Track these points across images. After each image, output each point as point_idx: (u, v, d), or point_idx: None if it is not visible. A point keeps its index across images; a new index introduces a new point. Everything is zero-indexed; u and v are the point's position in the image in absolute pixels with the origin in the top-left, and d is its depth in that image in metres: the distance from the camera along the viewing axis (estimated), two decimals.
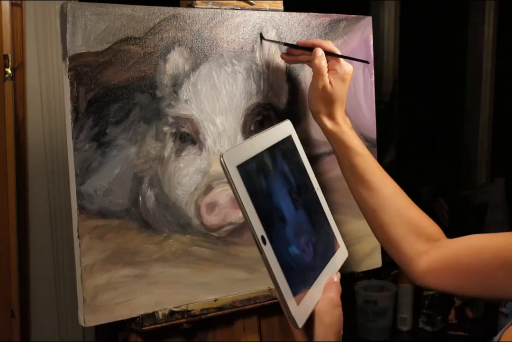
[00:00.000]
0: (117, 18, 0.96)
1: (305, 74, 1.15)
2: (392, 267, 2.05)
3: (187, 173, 1.03)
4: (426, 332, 1.92)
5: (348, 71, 1.03)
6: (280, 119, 1.12)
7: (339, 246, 0.84)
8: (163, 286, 1.01)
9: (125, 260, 0.98)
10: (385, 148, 2.42)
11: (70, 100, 0.93)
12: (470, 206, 2.53)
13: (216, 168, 1.05)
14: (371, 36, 1.22)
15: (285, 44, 1.10)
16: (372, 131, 1.23)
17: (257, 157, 0.69)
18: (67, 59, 0.92)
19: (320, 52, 1.02)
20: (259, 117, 1.10)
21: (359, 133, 1.21)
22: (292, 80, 1.13)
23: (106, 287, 0.96)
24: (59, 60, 1.46)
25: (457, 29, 2.87)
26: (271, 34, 1.10)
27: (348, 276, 1.22)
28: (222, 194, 1.05)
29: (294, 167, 0.79)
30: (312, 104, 1.04)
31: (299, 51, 1.07)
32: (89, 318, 0.95)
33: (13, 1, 1.43)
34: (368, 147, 1.21)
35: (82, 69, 0.93)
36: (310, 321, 0.71)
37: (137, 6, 0.98)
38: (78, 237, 0.94)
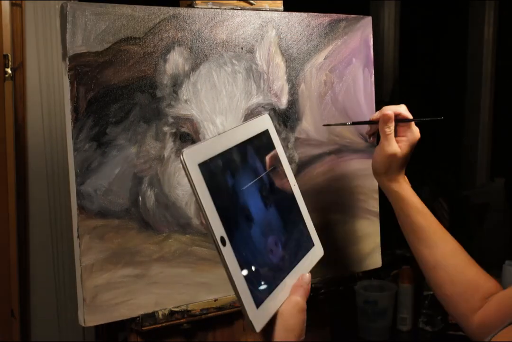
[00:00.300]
0: (117, 18, 0.96)
1: (304, 74, 1.15)
2: (392, 267, 2.05)
3: None
4: (426, 332, 1.91)
5: (417, 137, 1.04)
6: (280, 119, 1.12)
7: (313, 245, 0.81)
8: (163, 286, 1.01)
9: (125, 260, 0.98)
10: None
11: (70, 100, 0.93)
12: (470, 206, 2.53)
13: None
14: (371, 36, 1.22)
15: (354, 123, 1.13)
16: None
17: (225, 154, 0.67)
18: (67, 59, 0.92)
19: (391, 117, 1.03)
20: None
21: (359, 133, 1.21)
22: (292, 80, 1.13)
23: (106, 287, 0.96)
24: (59, 60, 1.46)
25: (457, 29, 2.87)
26: (271, 34, 1.10)
27: (348, 276, 1.22)
28: None
29: (268, 164, 0.77)
30: (377, 167, 1.05)
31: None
32: (89, 318, 0.95)
33: (13, 1, 1.43)
34: (368, 147, 1.22)
35: (82, 69, 0.93)
36: (272, 322, 0.69)
37: (137, 6, 0.98)
38: (78, 237, 0.94)
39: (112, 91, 0.96)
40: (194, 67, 1.03)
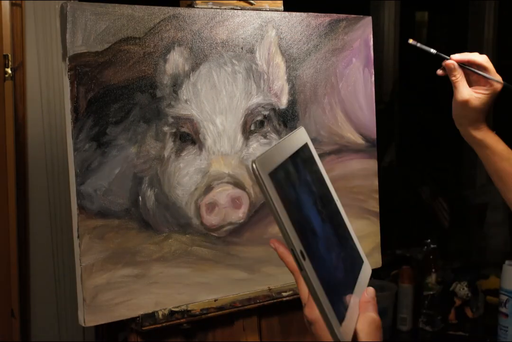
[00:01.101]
0: (117, 18, 0.96)
1: (305, 74, 1.14)
2: (392, 267, 2.05)
3: (187, 173, 1.03)
4: (426, 332, 1.91)
5: (496, 88, 1.00)
6: (280, 119, 1.12)
7: (363, 261, 0.78)
8: (163, 286, 1.01)
9: (125, 260, 0.98)
10: (385, 148, 2.42)
11: (70, 100, 0.93)
12: (470, 206, 2.53)
13: (216, 168, 1.05)
14: (371, 36, 1.22)
15: (438, 55, 1.07)
16: (372, 131, 1.23)
17: (284, 165, 0.64)
18: (67, 59, 0.92)
19: (452, 66, 1.01)
20: (259, 117, 1.10)
21: (359, 133, 1.21)
22: (292, 80, 1.13)
23: (106, 287, 0.96)
24: (59, 60, 1.46)
25: (457, 29, 2.87)
26: (271, 34, 1.10)
27: None
28: (222, 194, 1.05)
29: (314, 177, 0.74)
30: (454, 116, 1.03)
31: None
32: (89, 318, 0.95)
33: (13, 1, 1.43)
34: (368, 147, 1.22)
35: (82, 69, 0.93)
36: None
37: (137, 6, 0.98)
38: (78, 237, 0.94)
39: (112, 91, 0.96)
40: (194, 67, 1.03)
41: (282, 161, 0.64)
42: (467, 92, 0.99)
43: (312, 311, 0.64)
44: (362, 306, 0.68)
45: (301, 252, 0.59)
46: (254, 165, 0.57)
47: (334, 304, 0.61)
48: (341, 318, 0.62)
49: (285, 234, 0.58)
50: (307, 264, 0.60)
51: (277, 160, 0.63)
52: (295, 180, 0.66)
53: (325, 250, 0.66)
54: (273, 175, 0.59)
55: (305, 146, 0.76)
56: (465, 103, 0.99)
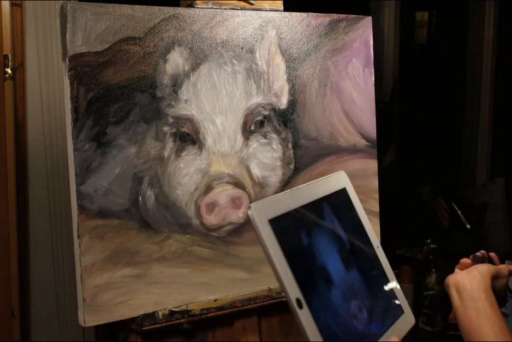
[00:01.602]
0: (117, 18, 0.96)
1: (305, 74, 1.14)
2: (392, 267, 2.05)
3: (187, 173, 1.03)
4: (426, 332, 1.91)
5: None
6: (280, 119, 1.12)
7: (403, 312, 0.74)
8: (163, 286, 1.01)
9: (125, 260, 0.98)
10: (385, 148, 2.42)
11: (70, 100, 0.93)
12: (470, 206, 2.53)
13: (216, 168, 1.05)
14: (371, 36, 1.22)
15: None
16: (372, 131, 1.23)
17: (299, 211, 0.62)
18: (67, 59, 0.92)
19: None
20: (259, 117, 1.10)
21: (359, 133, 1.21)
22: (292, 80, 1.13)
23: (106, 287, 0.96)
24: (59, 60, 1.46)
25: (457, 29, 2.87)
26: (271, 34, 1.10)
27: None
28: (222, 194, 1.05)
29: (347, 223, 0.72)
30: None
31: None
32: (89, 318, 0.95)
33: (13, 1, 1.43)
34: (368, 147, 1.22)
35: (82, 69, 0.93)
36: None
37: (137, 6, 0.98)
38: (78, 237, 0.94)
39: (112, 91, 0.96)
40: (194, 67, 1.03)
41: (297, 207, 0.62)
42: None
43: None
44: None
45: (298, 300, 0.58)
46: (250, 211, 0.56)
47: None
48: None
49: (280, 282, 0.57)
50: (303, 313, 0.58)
51: (288, 205, 0.61)
52: (312, 226, 0.64)
53: (340, 299, 0.63)
54: (276, 221, 0.58)
55: (342, 191, 0.75)
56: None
